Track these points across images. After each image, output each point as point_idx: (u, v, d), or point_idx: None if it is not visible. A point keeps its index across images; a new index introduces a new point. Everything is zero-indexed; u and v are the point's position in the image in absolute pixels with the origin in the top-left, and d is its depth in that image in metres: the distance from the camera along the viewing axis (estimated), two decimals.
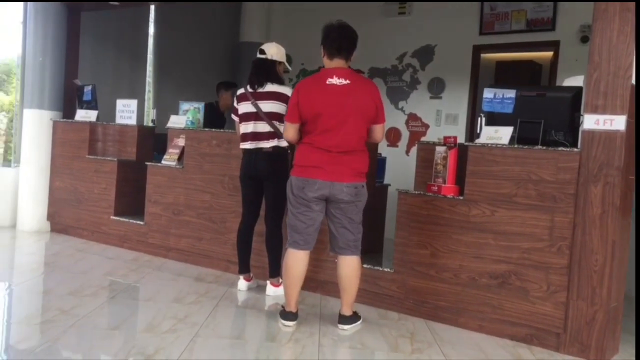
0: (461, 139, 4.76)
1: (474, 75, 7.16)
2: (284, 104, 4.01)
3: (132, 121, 5.74)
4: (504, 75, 7.63)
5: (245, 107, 4.15)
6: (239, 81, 8.55)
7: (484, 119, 3.91)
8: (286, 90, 4.09)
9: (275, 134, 4.06)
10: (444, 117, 7.29)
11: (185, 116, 5.17)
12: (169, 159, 5.25)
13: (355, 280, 3.58)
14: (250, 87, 4.13)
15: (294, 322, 3.61)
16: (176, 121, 5.24)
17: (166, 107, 6.63)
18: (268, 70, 4.12)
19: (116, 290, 4.20)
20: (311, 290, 4.33)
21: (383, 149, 6.03)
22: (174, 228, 5.17)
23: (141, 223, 5.39)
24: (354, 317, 3.66)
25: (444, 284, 3.78)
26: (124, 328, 3.44)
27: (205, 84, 8.27)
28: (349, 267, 3.56)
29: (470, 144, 3.76)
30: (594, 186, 3.29)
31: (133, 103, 5.78)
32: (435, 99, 7.17)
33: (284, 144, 4.08)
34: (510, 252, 3.55)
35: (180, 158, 5.19)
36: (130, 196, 5.68)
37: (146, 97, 7.75)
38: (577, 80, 3.66)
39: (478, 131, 3.88)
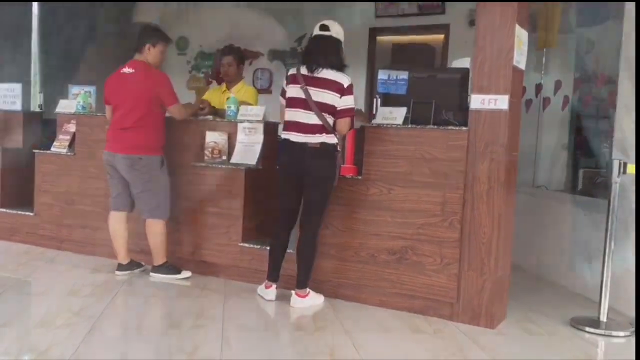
0: None
1: (370, 57, 7.31)
2: (337, 95, 3.61)
3: (17, 107, 5.39)
4: (401, 57, 7.83)
5: (294, 91, 3.68)
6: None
7: (379, 100, 4.01)
8: (343, 79, 3.61)
9: (325, 128, 3.61)
10: None
11: (76, 100, 4.93)
12: (59, 146, 4.98)
13: (153, 239, 4.23)
14: (307, 68, 3.64)
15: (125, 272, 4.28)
16: (66, 106, 4.98)
17: (55, 91, 6.27)
18: (330, 51, 3.64)
19: (5, 285, 3.95)
20: (214, 275, 4.30)
21: None
22: (68, 218, 4.93)
23: (31, 214, 5.10)
24: (165, 268, 4.27)
25: (345, 262, 3.87)
26: (14, 325, 3.26)
27: (97, 67, 7.87)
28: (147, 228, 4.25)
29: (367, 124, 3.85)
30: (481, 163, 3.48)
31: (17, 87, 5.42)
32: None
33: (332, 140, 3.65)
34: (407, 228, 3.68)
35: (71, 145, 4.95)
36: (17, 186, 5.35)
37: (32, 81, 7.29)
38: (464, 62, 3.83)
39: (374, 112, 3.98)
